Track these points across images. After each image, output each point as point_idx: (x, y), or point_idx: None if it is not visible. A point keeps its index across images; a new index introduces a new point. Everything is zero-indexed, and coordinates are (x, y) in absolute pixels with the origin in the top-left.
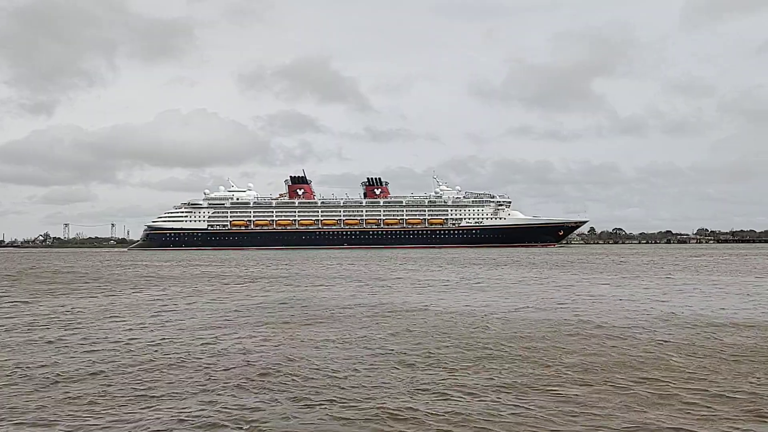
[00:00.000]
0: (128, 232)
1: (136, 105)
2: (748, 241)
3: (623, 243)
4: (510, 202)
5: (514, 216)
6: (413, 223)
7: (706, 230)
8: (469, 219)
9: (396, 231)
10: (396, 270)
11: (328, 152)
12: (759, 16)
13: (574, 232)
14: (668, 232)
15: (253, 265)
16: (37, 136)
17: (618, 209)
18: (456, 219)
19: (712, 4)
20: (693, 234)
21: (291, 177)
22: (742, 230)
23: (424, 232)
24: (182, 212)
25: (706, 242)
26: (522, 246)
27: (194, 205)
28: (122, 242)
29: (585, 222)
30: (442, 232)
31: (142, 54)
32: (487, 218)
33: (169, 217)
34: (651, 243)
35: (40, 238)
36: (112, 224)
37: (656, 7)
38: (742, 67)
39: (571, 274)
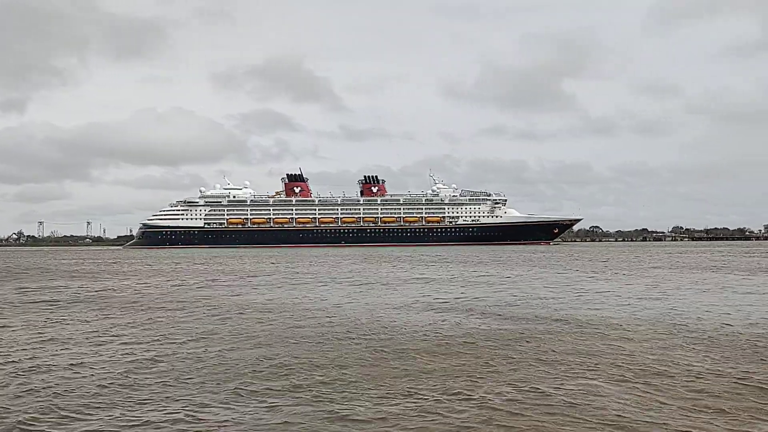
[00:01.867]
0: (104, 230)
1: (110, 103)
2: (721, 239)
3: (600, 241)
4: (506, 200)
5: (510, 214)
6: (410, 221)
7: (681, 228)
8: (466, 217)
9: (393, 229)
10: (379, 270)
11: (304, 151)
12: (716, 21)
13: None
14: (644, 230)
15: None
16: (10, 133)
17: (592, 208)
18: (453, 217)
19: (673, 9)
20: (668, 232)
21: (288, 175)
22: (716, 228)
23: (422, 229)
24: (178, 210)
25: (681, 240)
26: (518, 244)
27: (190, 203)
28: (98, 240)
29: (579, 220)
30: (440, 230)
31: (114, 53)
32: (483, 216)
33: (165, 215)
34: (628, 241)
35: (14, 236)
36: (88, 222)
37: (620, 12)
38: (705, 70)
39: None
